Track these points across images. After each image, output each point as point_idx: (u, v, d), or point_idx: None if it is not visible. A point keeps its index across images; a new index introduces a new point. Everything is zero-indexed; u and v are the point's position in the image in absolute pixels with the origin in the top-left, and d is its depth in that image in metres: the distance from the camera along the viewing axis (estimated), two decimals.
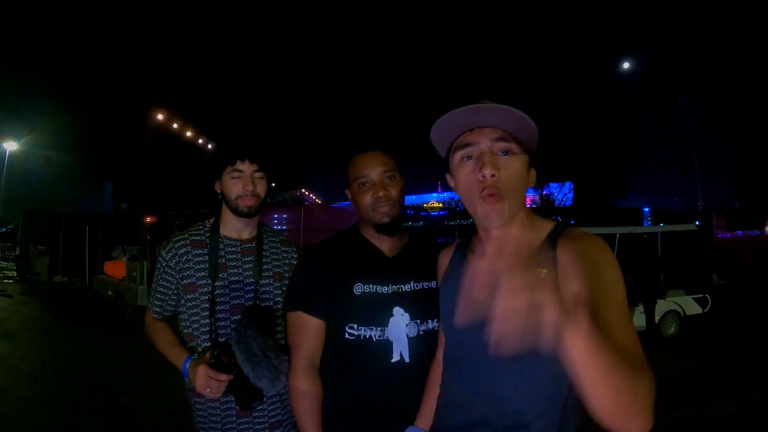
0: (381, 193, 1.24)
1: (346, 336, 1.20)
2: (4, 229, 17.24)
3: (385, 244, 1.29)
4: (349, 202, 1.34)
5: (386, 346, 1.19)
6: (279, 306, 1.44)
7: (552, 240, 0.90)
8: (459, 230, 10.96)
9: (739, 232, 11.28)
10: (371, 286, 1.22)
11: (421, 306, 1.24)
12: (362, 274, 1.23)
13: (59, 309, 8.10)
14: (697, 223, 11.16)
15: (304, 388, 1.19)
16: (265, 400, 1.32)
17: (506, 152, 0.88)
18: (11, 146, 18.30)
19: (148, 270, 7.41)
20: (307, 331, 1.23)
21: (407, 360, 1.19)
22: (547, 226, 0.94)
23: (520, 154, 0.89)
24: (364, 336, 1.19)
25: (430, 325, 1.24)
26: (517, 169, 0.89)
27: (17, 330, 6.33)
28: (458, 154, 0.91)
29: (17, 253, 13.69)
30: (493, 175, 0.86)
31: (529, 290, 0.54)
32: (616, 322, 0.72)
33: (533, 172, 0.95)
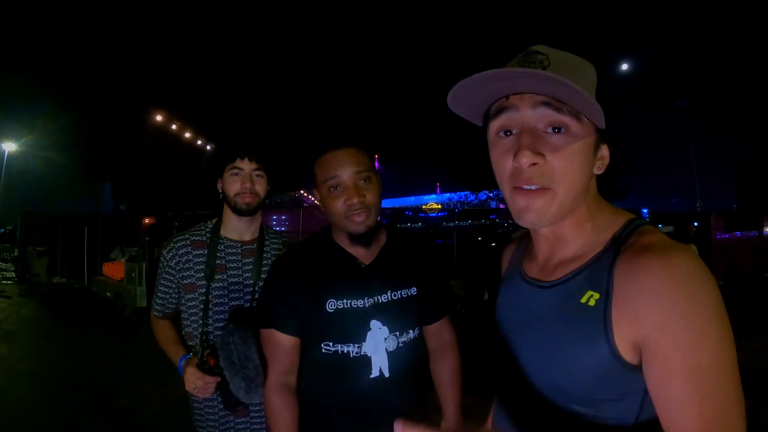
0: (355, 200, 1.10)
1: (323, 351, 1.14)
2: (3, 230, 17.21)
3: (360, 252, 1.19)
4: None
5: (364, 361, 1.12)
6: None
7: (616, 246, 0.65)
8: (457, 232, 10.95)
9: (738, 233, 11.29)
10: (345, 301, 1.13)
11: (400, 317, 1.17)
12: (335, 289, 1.14)
13: (58, 310, 8.07)
14: (695, 224, 11.19)
15: (278, 406, 1.13)
16: (249, 405, 1.30)
17: (558, 129, 0.62)
18: (10, 147, 18.25)
19: (147, 271, 7.41)
20: (281, 348, 1.16)
21: (387, 375, 1.13)
22: (615, 224, 0.68)
23: (579, 132, 0.62)
24: (342, 351, 1.13)
25: (411, 335, 1.19)
26: (575, 154, 0.62)
27: (16, 331, 6.31)
28: (494, 125, 0.66)
29: (16, 254, 13.64)
30: (534, 164, 0.61)
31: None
32: (678, 403, 0.54)
33: (605, 151, 0.67)
